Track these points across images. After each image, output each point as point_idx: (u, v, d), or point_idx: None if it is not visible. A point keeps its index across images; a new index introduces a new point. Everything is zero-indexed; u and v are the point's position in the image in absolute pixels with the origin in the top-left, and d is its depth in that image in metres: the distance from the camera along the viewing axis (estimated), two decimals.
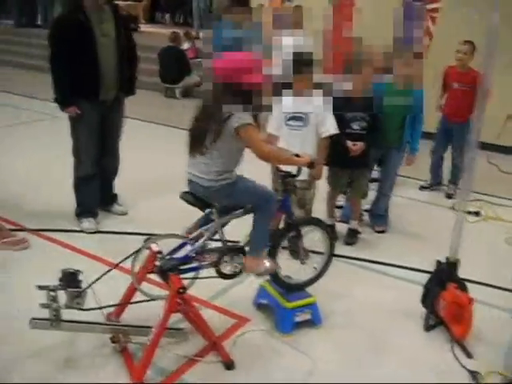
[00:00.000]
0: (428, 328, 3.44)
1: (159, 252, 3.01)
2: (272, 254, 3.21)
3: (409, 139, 4.55)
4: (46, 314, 2.78)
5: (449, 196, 5.76)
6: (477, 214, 5.31)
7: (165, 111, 8.72)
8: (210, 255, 3.04)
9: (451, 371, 3.10)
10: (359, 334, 3.37)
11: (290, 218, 3.26)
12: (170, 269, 2.92)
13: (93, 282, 2.89)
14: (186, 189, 3.07)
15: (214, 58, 2.87)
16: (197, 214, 4.36)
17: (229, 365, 2.98)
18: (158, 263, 2.97)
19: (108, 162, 4.59)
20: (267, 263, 3.15)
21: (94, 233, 4.42)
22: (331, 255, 3.45)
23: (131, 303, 3.04)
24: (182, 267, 2.98)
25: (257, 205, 3.03)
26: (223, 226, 3.08)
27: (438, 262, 3.49)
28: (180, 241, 3.05)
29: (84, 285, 2.87)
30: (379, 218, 4.80)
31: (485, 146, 7.26)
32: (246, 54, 2.83)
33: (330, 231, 3.43)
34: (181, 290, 2.78)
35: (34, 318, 2.78)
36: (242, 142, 2.87)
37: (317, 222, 3.40)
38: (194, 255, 3.00)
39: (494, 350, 3.28)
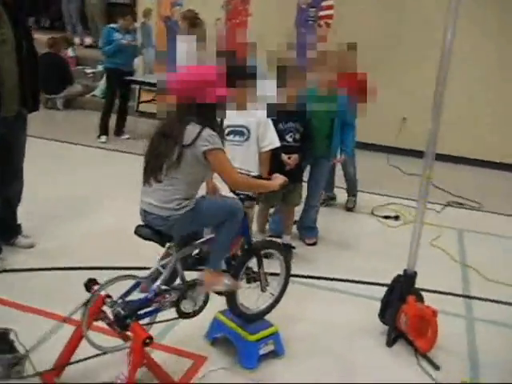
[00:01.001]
0: (390, 343, 3.34)
1: (108, 296, 2.58)
2: None
3: (340, 145, 4.48)
4: None
5: (349, 209, 5.55)
6: (396, 218, 5.40)
7: (48, 124, 7.94)
8: (170, 295, 2.66)
9: None
10: (324, 359, 3.18)
11: (249, 242, 2.98)
12: (127, 316, 2.50)
13: (36, 345, 2.39)
14: (133, 219, 2.68)
15: (170, 72, 2.53)
16: (111, 240, 3.96)
17: None
18: (110, 309, 2.54)
19: (10, 188, 3.97)
20: (228, 280, 2.84)
21: (0, 272, 3.78)
22: (288, 278, 3.22)
23: (81, 360, 2.56)
24: (140, 312, 2.57)
25: (224, 221, 2.70)
26: (183, 260, 2.72)
27: (397, 276, 3.40)
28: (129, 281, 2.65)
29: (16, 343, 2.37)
30: (309, 230, 4.66)
31: (384, 149, 7.59)
32: (208, 67, 2.53)
33: (286, 252, 3.19)
34: (147, 341, 2.38)
35: None
36: (208, 167, 2.55)
37: (274, 244, 3.16)
38: (154, 297, 2.60)
39: (455, 359, 3.28)
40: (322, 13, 7.38)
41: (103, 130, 7.10)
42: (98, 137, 7.09)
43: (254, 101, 3.16)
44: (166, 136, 2.50)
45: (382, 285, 3.69)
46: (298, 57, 4.18)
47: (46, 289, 3.61)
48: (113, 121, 7.32)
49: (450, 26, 2.91)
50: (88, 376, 2.70)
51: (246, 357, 3.02)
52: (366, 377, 3.06)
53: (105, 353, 2.63)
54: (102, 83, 8.52)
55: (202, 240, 2.79)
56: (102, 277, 3.71)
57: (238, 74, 2.94)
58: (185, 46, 4.84)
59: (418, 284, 3.52)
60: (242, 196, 2.89)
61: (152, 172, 2.53)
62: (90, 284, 2.70)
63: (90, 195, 5.31)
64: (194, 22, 6.45)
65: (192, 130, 2.46)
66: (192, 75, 2.49)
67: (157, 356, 2.80)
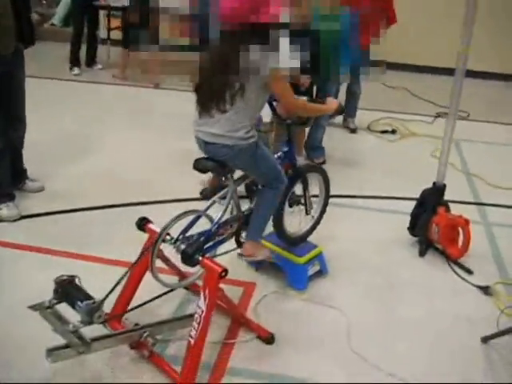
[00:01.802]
0: (422, 253, 3.48)
1: (167, 234, 2.55)
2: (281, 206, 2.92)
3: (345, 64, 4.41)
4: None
5: (353, 131, 5.52)
6: (393, 132, 5.47)
7: None
8: (231, 226, 2.65)
9: (463, 290, 3.20)
10: (365, 274, 3.29)
11: (295, 167, 2.96)
12: (195, 251, 2.48)
13: (112, 290, 2.35)
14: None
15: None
16: (117, 176, 3.62)
17: (268, 339, 2.70)
18: (172, 247, 2.52)
19: (15, 131, 3.75)
20: (266, 251, 2.86)
21: (18, 220, 3.64)
22: (327, 199, 3.26)
23: (152, 300, 2.54)
24: (205, 246, 2.56)
25: (270, 180, 2.67)
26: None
27: (426, 189, 3.49)
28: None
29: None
30: (317, 149, 4.68)
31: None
32: None
33: (326, 174, 3.20)
34: (223, 274, 2.38)
35: (50, 349, 2.19)
36: (268, 92, 2.47)
37: (315, 167, 3.16)
38: (217, 230, 2.59)
39: (483, 262, 3.45)
40: None
41: (74, 61, 6.73)
42: (71, 69, 6.73)
43: None
44: (223, 64, 2.39)
45: (407, 199, 3.80)
46: None
47: (71, 232, 3.53)
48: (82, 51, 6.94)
49: None
50: (151, 313, 2.70)
51: (297, 279, 3.09)
52: (407, 286, 3.20)
53: (172, 290, 2.63)
54: (60, 10, 7.99)
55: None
56: (121, 215, 3.73)
57: None
58: None
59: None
60: (289, 121, 2.85)
61: (213, 102, 2.43)
62: (142, 223, 2.65)
63: (81, 132, 5.11)
64: None
65: (252, 54, 2.36)
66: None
67: None
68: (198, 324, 2.37)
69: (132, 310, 2.52)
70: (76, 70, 6.74)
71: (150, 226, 2.62)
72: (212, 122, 2.48)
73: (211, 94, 2.43)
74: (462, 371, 2.61)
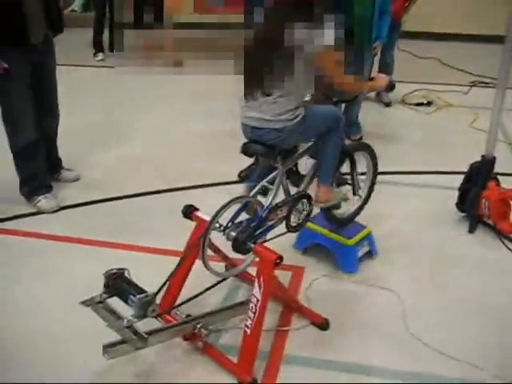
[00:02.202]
0: (473, 229, 3.36)
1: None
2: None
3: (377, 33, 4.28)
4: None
5: (387, 105, 5.39)
6: (428, 104, 5.30)
7: None
8: (281, 211, 2.56)
9: None
10: (416, 252, 3.20)
11: (342, 146, 2.85)
12: (247, 238, 2.41)
13: (165, 283, 2.30)
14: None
15: None
16: (149, 163, 3.58)
17: (323, 325, 2.63)
18: (224, 234, 2.44)
19: (49, 121, 3.69)
20: (339, 194, 2.81)
21: (57, 211, 3.61)
22: (375, 178, 3.15)
23: (209, 289, 2.47)
24: (256, 232, 2.48)
25: (328, 129, 2.58)
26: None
27: (474, 163, 3.36)
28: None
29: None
30: (353, 126, 4.55)
31: None
32: None
33: (373, 152, 3.09)
34: (278, 261, 2.31)
35: (106, 346, 2.15)
36: (315, 70, 2.36)
37: (364, 145, 3.04)
38: (268, 215, 2.50)
39: None
40: None
41: (98, 46, 6.65)
42: (95, 55, 6.65)
43: None
44: (269, 43, 2.28)
45: (452, 173, 3.68)
46: None
47: (112, 221, 3.48)
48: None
49: None
50: (200, 304, 2.64)
51: (347, 261, 3.01)
52: (459, 264, 3.10)
53: (224, 279, 2.56)
54: None
55: (301, 150, 2.66)
56: (161, 202, 3.67)
57: None
58: None
59: (464, 168, 3.50)
60: (339, 97, 2.74)
61: (258, 85, 2.33)
62: (189, 210, 2.58)
63: (111, 118, 5.06)
64: None
65: (298, 32, 2.25)
66: None
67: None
68: (254, 313, 2.31)
69: (185, 302, 2.45)
70: (100, 56, 6.67)
71: (198, 213, 2.55)
72: (258, 107, 2.40)
73: (256, 74, 2.33)
74: None
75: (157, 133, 4.77)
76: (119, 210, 3.62)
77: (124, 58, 6.65)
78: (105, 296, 2.32)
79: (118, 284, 2.30)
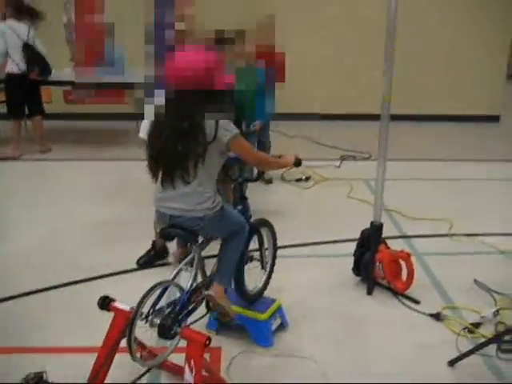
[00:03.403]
0: (370, 291, 3.60)
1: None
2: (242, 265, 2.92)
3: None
4: None
5: (268, 181, 5.69)
6: (307, 179, 5.67)
7: None
8: (201, 292, 2.59)
9: (416, 320, 3.33)
10: (323, 318, 3.33)
11: (249, 223, 2.97)
12: (173, 323, 2.38)
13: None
14: None
15: (165, 61, 2.38)
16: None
17: None
18: (148, 321, 2.40)
19: None
20: (229, 301, 2.86)
21: None
22: (275, 252, 3.29)
23: (139, 378, 2.38)
24: (180, 316, 2.46)
25: (236, 231, 2.70)
26: None
27: (364, 230, 3.64)
28: None
29: None
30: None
31: None
32: (207, 53, 2.43)
33: (272, 227, 3.24)
34: (207, 342, 2.31)
35: None
36: (225, 155, 2.49)
37: (265, 221, 3.19)
38: (190, 297, 2.51)
39: (424, 291, 3.63)
40: None
41: None
42: None
43: None
44: (181, 134, 2.37)
45: (342, 241, 3.97)
46: None
47: (12, 324, 3.23)
48: None
49: None
50: None
51: (262, 336, 3.05)
52: (365, 324, 3.28)
53: (150, 369, 2.49)
54: None
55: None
56: (58, 297, 3.49)
57: None
58: None
59: (352, 236, 3.82)
60: (239, 180, 2.88)
61: (175, 175, 2.40)
62: (106, 302, 2.50)
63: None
64: None
65: (209, 123, 2.37)
66: (196, 62, 2.37)
67: (174, 358, 2.72)
68: None
69: None
70: None
71: (116, 304, 2.48)
72: (176, 196, 2.46)
73: (169, 166, 2.40)
74: None
75: (42, 225, 4.57)
76: (16, 311, 3.37)
77: None
78: None
79: None
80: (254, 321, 3.04)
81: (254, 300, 3.12)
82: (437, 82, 8.39)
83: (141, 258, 3.94)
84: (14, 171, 6.02)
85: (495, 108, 8.70)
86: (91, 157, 6.48)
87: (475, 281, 3.68)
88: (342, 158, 6.34)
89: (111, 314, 2.48)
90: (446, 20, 8.23)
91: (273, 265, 3.30)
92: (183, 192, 2.44)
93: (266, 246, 3.22)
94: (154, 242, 3.96)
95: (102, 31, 6.94)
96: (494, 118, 8.72)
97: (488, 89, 8.53)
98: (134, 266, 3.89)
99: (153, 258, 3.96)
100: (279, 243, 3.31)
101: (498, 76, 8.59)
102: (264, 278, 3.22)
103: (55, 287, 3.61)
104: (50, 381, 2.18)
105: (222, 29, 3.99)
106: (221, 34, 3.86)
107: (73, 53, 7.24)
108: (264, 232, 3.17)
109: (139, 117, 3.06)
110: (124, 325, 2.38)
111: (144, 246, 3.98)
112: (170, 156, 2.40)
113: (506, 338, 2.93)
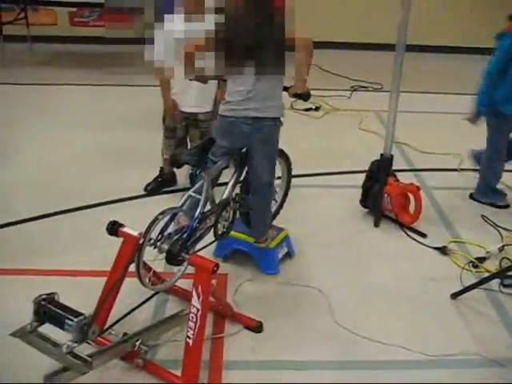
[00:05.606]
0: (377, 223, 3.61)
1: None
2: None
3: None
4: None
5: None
6: (317, 109, 5.57)
7: None
8: (210, 219, 2.59)
9: (422, 253, 3.36)
10: (330, 249, 3.37)
11: None
12: (181, 249, 2.40)
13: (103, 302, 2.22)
14: None
15: None
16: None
17: (258, 328, 2.68)
18: (156, 247, 2.42)
19: None
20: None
21: None
22: (290, 182, 3.28)
23: (141, 304, 2.43)
24: (188, 243, 2.48)
25: (265, 179, 2.81)
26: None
27: (374, 161, 3.61)
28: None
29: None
30: None
31: None
32: None
33: (287, 157, 3.20)
34: (215, 269, 2.33)
35: (49, 376, 2.04)
36: None
37: (280, 151, 3.14)
38: (198, 224, 2.51)
39: (432, 225, 3.64)
40: None
41: None
42: None
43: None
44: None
45: (352, 172, 3.94)
46: None
47: (24, 247, 3.27)
48: None
49: None
50: (130, 321, 2.57)
51: (269, 264, 3.09)
52: (371, 255, 3.32)
53: (157, 293, 2.53)
54: None
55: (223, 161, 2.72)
56: (67, 223, 3.52)
57: None
58: None
59: (364, 167, 3.77)
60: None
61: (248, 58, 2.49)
62: (115, 227, 2.51)
63: None
64: None
65: None
66: None
67: (182, 284, 2.77)
68: (195, 323, 2.31)
69: (119, 321, 2.39)
70: None
71: (125, 229, 2.49)
72: (256, 96, 2.59)
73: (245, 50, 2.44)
74: (440, 328, 2.76)
75: (48, 150, 4.55)
76: (22, 235, 3.41)
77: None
78: (35, 324, 2.19)
79: (50, 310, 2.18)
80: (260, 249, 3.07)
81: None
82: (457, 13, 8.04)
83: (148, 184, 3.93)
84: (15, 94, 5.90)
85: None
86: (95, 81, 6.34)
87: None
88: (353, 89, 6.21)
89: (120, 240, 2.50)
90: None
91: (285, 195, 3.29)
92: (257, 89, 2.61)
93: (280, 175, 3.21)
94: (161, 169, 3.94)
95: None
96: None
97: None
98: (142, 192, 3.90)
99: (161, 185, 3.96)
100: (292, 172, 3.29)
101: None
102: (274, 207, 3.22)
103: (62, 212, 3.63)
104: (61, 302, 2.20)
105: None
106: None
107: None
108: (279, 163, 3.14)
109: (147, 41, 2.99)
110: (133, 250, 2.40)
111: (152, 173, 3.98)
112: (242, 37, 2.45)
113: (510, 273, 2.95)
